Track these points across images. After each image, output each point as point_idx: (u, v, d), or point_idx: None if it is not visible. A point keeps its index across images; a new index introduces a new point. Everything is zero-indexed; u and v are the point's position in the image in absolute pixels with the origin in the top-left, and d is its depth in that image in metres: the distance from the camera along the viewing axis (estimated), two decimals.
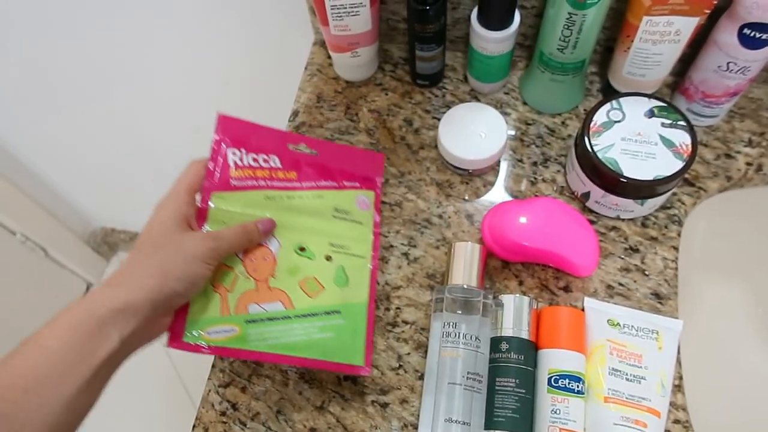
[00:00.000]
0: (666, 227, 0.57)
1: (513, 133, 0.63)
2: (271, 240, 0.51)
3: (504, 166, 0.61)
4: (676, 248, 0.56)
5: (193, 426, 0.52)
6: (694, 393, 0.51)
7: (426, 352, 0.52)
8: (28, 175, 1.32)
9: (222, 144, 0.51)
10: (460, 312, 0.50)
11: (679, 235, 0.57)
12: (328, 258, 0.52)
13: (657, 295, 0.54)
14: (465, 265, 0.53)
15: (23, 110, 1.11)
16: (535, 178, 0.60)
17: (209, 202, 0.49)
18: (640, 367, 0.49)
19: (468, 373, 0.48)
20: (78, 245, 1.49)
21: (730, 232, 0.61)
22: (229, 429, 0.52)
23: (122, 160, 1.23)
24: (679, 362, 0.51)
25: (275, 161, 0.53)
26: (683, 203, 0.58)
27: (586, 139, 0.53)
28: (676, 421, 0.49)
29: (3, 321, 1.30)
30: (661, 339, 0.50)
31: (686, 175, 0.59)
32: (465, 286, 0.52)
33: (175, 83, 0.95)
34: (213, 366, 0.54)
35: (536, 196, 0.59)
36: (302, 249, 0.52)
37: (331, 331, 0.50)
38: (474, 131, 0.58)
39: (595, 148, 0.53)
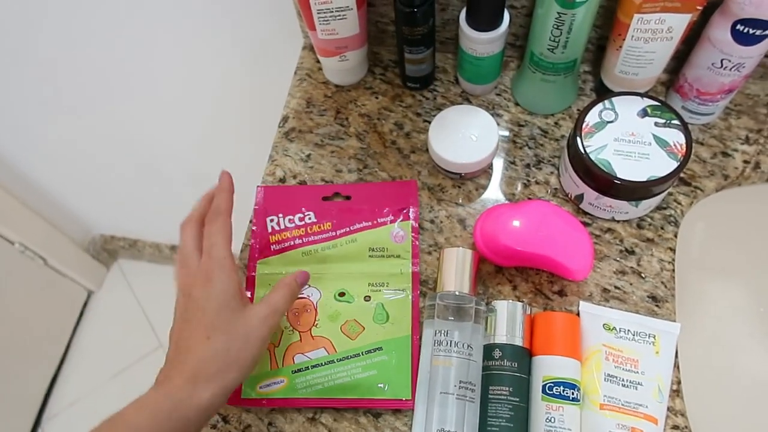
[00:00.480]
0: (662, 228, 0.56)
1: (506, 134, 0.62)
2: (312, 292, 0.55)
3: (497, 169, 0.60)
4: (672, 249, 0.55)
5: None
6: (693, 398, 0.50)
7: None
8: (25, 184, 1.32)
9: (260, 213, 0.59)
10: (452, 319, 0.49)
11: (675, 236, 0.56)
12: (367, 298, 0.54)
13: (654, 298, 0.53)
14: (457, 271, 0.52)
15: (20, 117, 1.11)
16: (529, 181, 0.59)
17: (254, 272, 0.56)
18: (637, 372, 0.48)
19: (460, 381, 0.47)
20: (77, 253, 1.49)
21: (729, 232, 0.60)
22: None
23: (121, 167, 1.23)
24: (677, 366, 0.50)
25: (311, 217, 0.58)
26: (679, 203, 0.57)
27: (578, 140, 0.52)
28: (675, 427, 0.48)
29: (4, 330, 1.30)
30: (658, 343, 0.49)
31: (682, 175, 0.58)
32: (457, 293, 0.51)
33: (171, 90, 0.94)
34: None
35: (529, 199, 0.58)
36: (342, 294, 0.54)
37: (374, 368, 0.51)
38: (465, 134, 0.57)
39: (588, 150, 0.52)
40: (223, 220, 0.47)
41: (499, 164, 0.60)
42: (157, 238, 1.53)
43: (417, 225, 0.57)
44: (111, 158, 1.20)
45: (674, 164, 0.51)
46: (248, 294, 0.56)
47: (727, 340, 0.58)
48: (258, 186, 0.61)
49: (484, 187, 0.59)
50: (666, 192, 0.54)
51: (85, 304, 1.58)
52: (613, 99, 0.54)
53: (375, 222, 0.57)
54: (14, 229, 1.28)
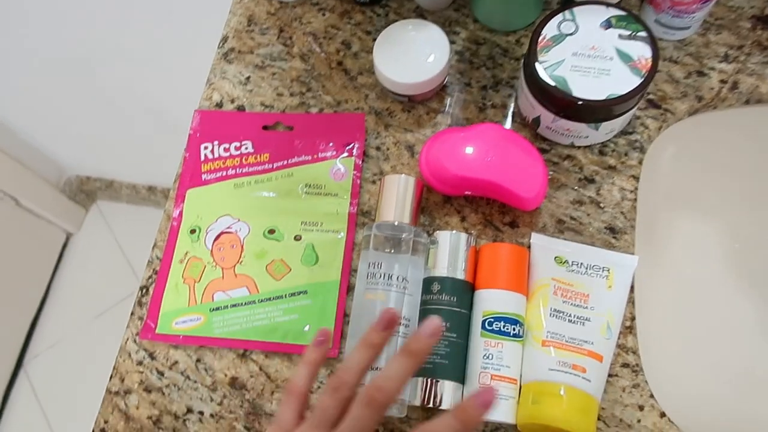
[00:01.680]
0: (626, 155, 0.51)
1: (462, 53, 0.56)
2: (240, 227, 0.51)
3: (450, 92, 0.55)
4: (636, 178, 0.51)
5: (111, 376, 0.49)
6: (647, 336, 0.47)
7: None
8: None
9: (194, 139, 0.55)
10: (388, 251, 0.46)
11: (640, 163, 0.51)
12: (297, 238, 0.50)
13: (612, 230, 0.49)
14: (397, 200, 0.48)
15: None
16: (484, 104, 0.54)
17: (183, 202, 0.53)
18: (586, 307, 0.44)
19: None
20: (52, 194, 1.46)
21: (701, 160, 0.55)
22: (146, 378, 0.48)
23: (94, 108, 1.18)
24: (632, 302, 0.47)
25: (248, 147, 0.54)
26: (647, 128, 0.52)
27: (533, 55, 0.47)
28: (625, 365, 0.45)
29: None
30: (612, 277, 0.46)
31: (651, 96, 0.53)
32: (396, 223, 0.47)
33: (141, 28, 0.89)
34: (131, 314, 0.51)
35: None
36: (271, 231, 0.50)
37: (295, 312, 0.48)
38: (413, 52, 0.52)
39: (543, 66, 0.47)
40: (312, 367, 0.39)
41: (453, 87, 0.55)
42: (132, 179, 1.49)
43: (360, 162, 0.53)
44: (84, 98, 1.15)
45: (637, 81, 0.45)
46: (174, 224, 0.52)
47: (692, 278, 0.54)
48: (195, 110, 0.56)
49: (436, 112, 0.54)
50: (631, 114, 0.49)
51: (65, 246, 1.56)
52: (575, 9, 0.48)
53: (315, 156, 0.53)
54: None
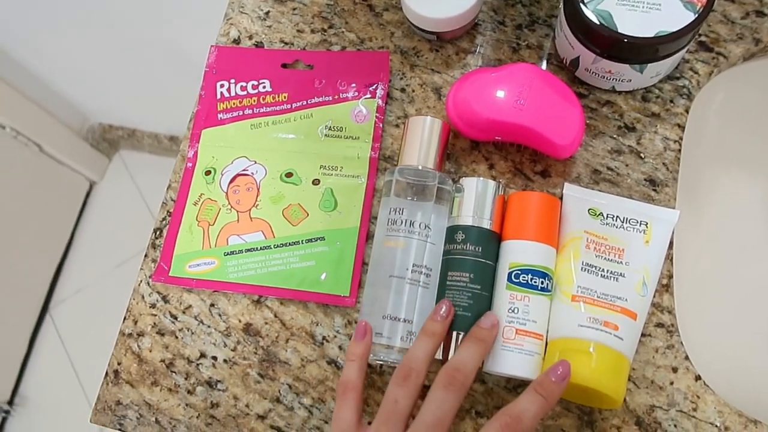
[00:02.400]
0: (671, 102, 0.47)
1: None
2: (257, 169, 0.49)
3: (482, 30, 0.51)
4: (681, 127, 0.47)
5: (124, 318, 0.48)
6: (685, 295, 0.44)
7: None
8: (15, 69, 1.26)
9: (210, 76, 0.52)
10: (411, 198, 0.43)
11: (687, 111, 0.47)
12: (316, 182, 0.48)
13: (652, 182, 0.46)
14: (422, 144, 0.45)
15: (15, 4, 1.04)
16: (518, 44, 0.50)
17: (198, 142, 0.50)
18: (620, 262, 0.41)
19: (414, 265, 0.42)
20: (75, 141, 1.46)
21: (753, 111, 0.51)
22: (159, 322, 0.47)
23: (117, 56, 1.16)
24: (670, 259, 0.44)
25: (266, 85, 0.51)
26: (696, 72, 0.48)
27: None
28: (659, 325, 0.42)
29: (8, 216, 1.30)
30: (650, 231, 0.43)
31: (703, 38, 0.48)
32: (419, 167, 0.44)
33: None
34: (145, 256, 0.49)
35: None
36: (289, 175, 0.48)
37: (312, 259, 0.46)
38: None
39: (586, 0, 0.43)
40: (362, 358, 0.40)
41: (485, 25, 0.51)
42: (155, 128, 1.48)
43: (383, 104, 0.50)
44: (108, 46, 1.13)
45: (691, 17, 0.41)
46: (189, 165, 0.50)
47: (734, 236, 0.50)
48: (212, 46, 0.53)
49: (466, 51, 0.51)
50: (679, 56, 0.45)
51: (88, 194, 1.57)
52: None
53: (336, 97, 0.50)
54: (4, 112, 1.23)
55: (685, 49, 0.45)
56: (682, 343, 0.42)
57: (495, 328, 0.39)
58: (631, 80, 0.46)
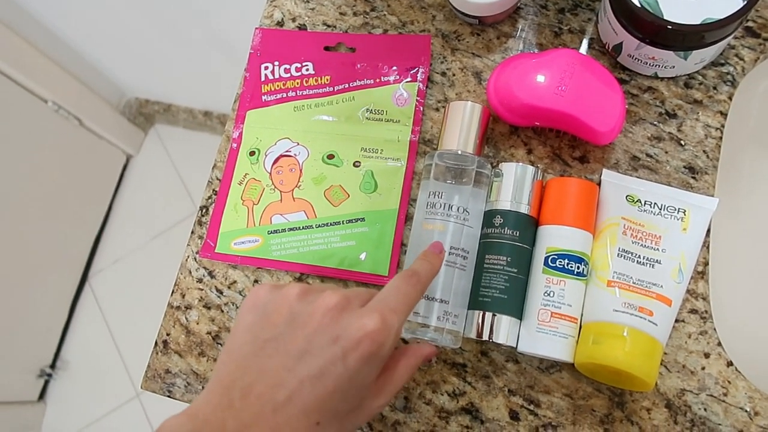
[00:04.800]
0: (714, 88, 0.47)
1: None
2: (300, 150, 0.50)
3: (524, 14, 0.51)
4: (723, 114, 0.47)
5: (172, 291, 0.51)
6: (721, 283, 0.44)
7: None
8: (57, 43, 1.29)
9: (254, 58, 0.53)
10: (450, 181, 0.44)
11: (730, 98, 0.47)
12: (357, 164, 0.49)
13: (691, 169, 0.46)
14: (462, 128, 0.46)
15: None
16: (560, 29, 0.50)
17: (242, 122, 0.52)
18: (657, 249, 0.42)
19: (452, 248, 0.43)
20: (113, 115, 1.49)
21: None
22: (205, 296, 0.50)
23: (154, 30, 1.18)
24: (707, 247, 0.44)
25: (309, 68, 0.52)
26: (741, 59, 0.47)
27: None
28: (693, 311, 0.43)
29: (49, 188, 1.34)
30: (688, 219, 0.43)
31: (749, 22, 0.47)
32: (459, 152, 0.45)
33: None
34: (192, 233, 0.52)
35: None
36: (330, 157, 0.49)
37: (352, 239, 0.47)
38: None
39: None
40: (416, 284, 0.36)
41: (527, 9, 0.51)
42: (190, 104, 1.51)
43: (424, 88, 0.50)
44: (144, 21, 1.15)
45: (739, 3, 0.41)
46: (234, 146, 0.52)
47: None
48: (256, 28, 0.55)
49: (507, 36, 0.51)
50: (725, 43, 0.44)
51: (125, 168, 1.61)
52: None
53: (378, 81, 0.51)
54: (47, 87, 1.27)
55: (732, 36, 0.44)
56: (715, 329, 0.43)
57: (442, 254, 0.41)
58: (674, 67, 0.46)
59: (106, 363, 1.48)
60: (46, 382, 1.48)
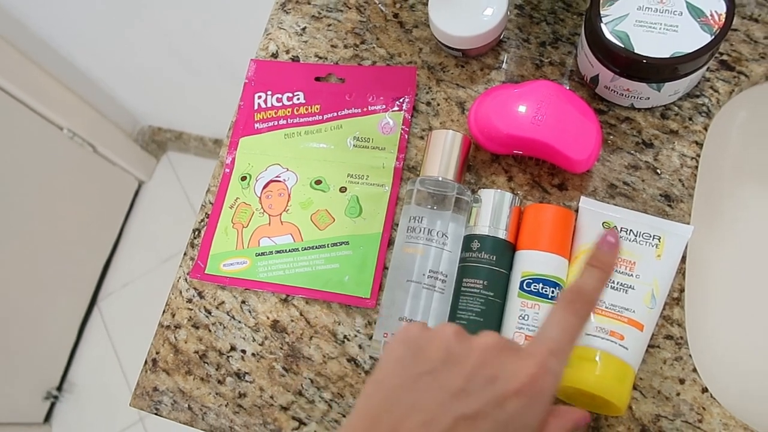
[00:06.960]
0: (690, 119, 0.48)
1: (522, 7, 0.54)
2: (289, 176, 0.52)
3: (506, 47, 0.53)
4: (699, 144, 0.48)
5: (163, 311, 0.52)
6: (697, 309, 0.45)
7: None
8: (73, 72, 1.34)
9: (249, 88, 0.56)
10: (430, 207, 0.46)
11: (705, 128, 0.48)
12: (343, 189, 0.51)
13: (667, 197, 0.47)
14: (443, 156, 0.47)
15: (69, 7, 1.11)
16: (541, 61, 0.52)
17: (235, 149, 0.54)
18: (631, 275, 0.43)
19: (430, 271, 0.44)
20: (126, 143, 1.53)
21: None
22: (194, 315, 0.51)
23: (167, 63, 1.22)
24: (682, 273, 0.45)
25: (299, 97, 0.54)
26: (716, 91, 0.48)
27: (594, 8, 0.45)
28: (668, 337, 0.44)
29: (62, 213, 1.38)
30: (662, 245, 0.44)
31: (725, 58, 0.49)
32: (440, 179, 0.46)
33: None
34: (184, 254, 0.53)
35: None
36: (318, 182, 0.51)
37: (336, 262, 0.49)
38: (470, 4, 0.50)
39: (604, 20, 0.44)
40: (580, 309, 0.32)
41: (510, 42, 0.53)
42: (200, 131, 1.55)
43: (409, 117, 0.52)
44: (158, 51, 1.19)
45: (707, 38, 0.42)
46: (227, 171, 0.54)
47: (749, 254, 0.51)
48: (251, 59, 0.57)
49: (491, 68, 0.53)
50: (698, 75, 0.46)
51: (137, 193, 1.64)
52: None
53: (365, 109, 0.53)
54: (62, 114, 1.31)
55: (703, 69, 0.46)
56: (690, 355, 0.43)
57: (616, 248, 0.33)
58: (649, 98, 0.47)
59: (111, 386, 1.49)
60: (52, 404, 1.49)
